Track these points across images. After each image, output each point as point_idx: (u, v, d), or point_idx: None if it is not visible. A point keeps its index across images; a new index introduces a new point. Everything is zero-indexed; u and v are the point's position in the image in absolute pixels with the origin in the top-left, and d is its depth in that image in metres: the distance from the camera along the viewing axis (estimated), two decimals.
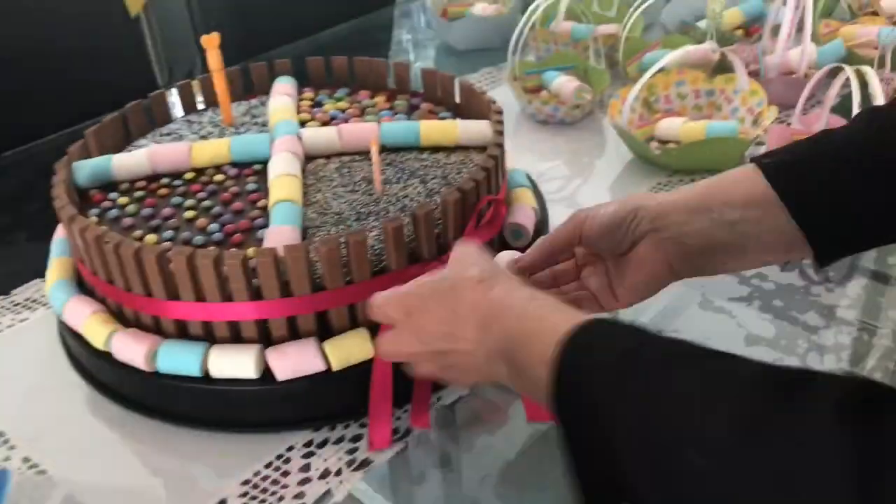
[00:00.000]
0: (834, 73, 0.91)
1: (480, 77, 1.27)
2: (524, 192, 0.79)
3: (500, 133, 0.74)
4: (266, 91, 0.91)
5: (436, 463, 0.60)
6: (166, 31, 1.67)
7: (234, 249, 0.65)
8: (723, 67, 1.06)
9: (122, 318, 0.66)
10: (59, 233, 0.77)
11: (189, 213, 0.70)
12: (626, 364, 0.38)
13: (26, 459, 0.62)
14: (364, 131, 0.78)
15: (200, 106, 0.90)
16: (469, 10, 1.39)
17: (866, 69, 0.87)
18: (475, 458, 0.60)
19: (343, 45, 1.47)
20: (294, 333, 0.62)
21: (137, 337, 0.63)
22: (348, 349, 0.61)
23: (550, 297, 0.47)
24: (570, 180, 0.96)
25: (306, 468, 0.60)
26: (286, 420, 0.63)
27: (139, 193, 0.74)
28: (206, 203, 0.72)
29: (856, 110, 0.82)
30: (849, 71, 0.86)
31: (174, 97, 0.90)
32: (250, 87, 0.92)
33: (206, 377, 0.62)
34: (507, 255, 0.61)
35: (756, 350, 0.68)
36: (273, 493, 0.58)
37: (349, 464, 0.59)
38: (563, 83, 1.08)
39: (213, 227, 0.68)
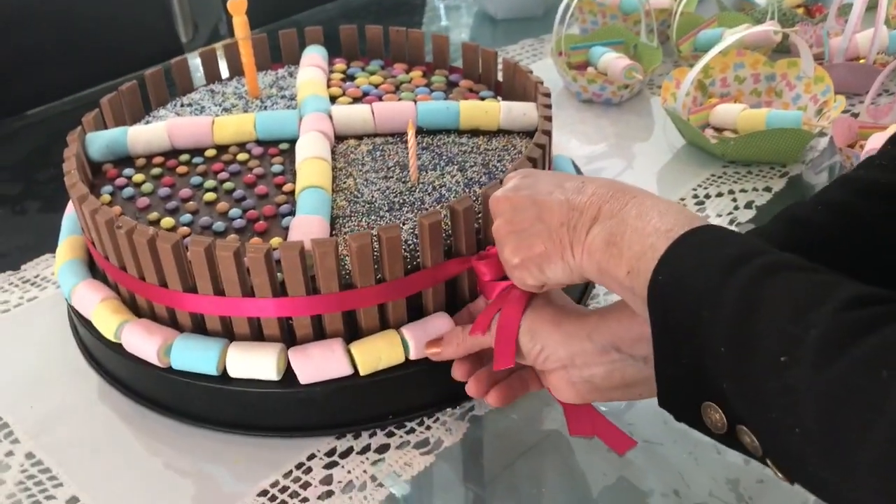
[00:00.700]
0: None
1: (520, 49, 1.20)
2: None
3: (548, 119, 0.68)
4: (295, 60, 0.85)
5: (461, 479, 0.55)
6: None
7: (256, 240, 0.60)
8: (781, 49, 0.98)
9: (135, 307, 0.62)
10: (72, 207, 0.72)
11: (209, 196, 0.65)
12: (734, 266, 0.37)
13: (30, 455, 0.58)
14: (400, 111, 0.72)
15: (224, 74, 0.85)
16: None
17: None
18: (505, 476, 0.56)
19: (375, 10, 1.40)
20: (319, 333, 0.57)
21: (150, 329, 0.58)
22: (377, 353, 0.56)
23: None
24: (615, 166, 0.90)
25: (328, 480, 0.55)
26: (307, 426, 0.58)
27: (156, 171, 0.69)
28: (228, 184, 0.67)
29: None
30: None
31: (196, 60, 0.84)
32: (278, 56, 0.86)
33: (223, 376, 0.57)
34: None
35: None
36: None
37: (373, 478, 0.55)
38: (612, 60, 1.01)
39: (235, 212, 0.63)
